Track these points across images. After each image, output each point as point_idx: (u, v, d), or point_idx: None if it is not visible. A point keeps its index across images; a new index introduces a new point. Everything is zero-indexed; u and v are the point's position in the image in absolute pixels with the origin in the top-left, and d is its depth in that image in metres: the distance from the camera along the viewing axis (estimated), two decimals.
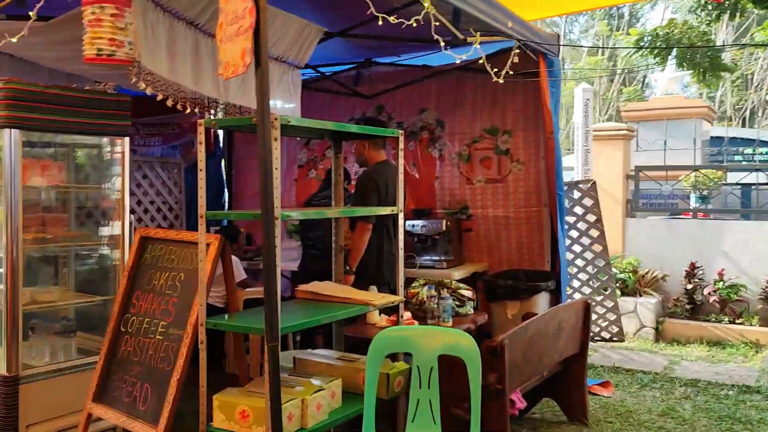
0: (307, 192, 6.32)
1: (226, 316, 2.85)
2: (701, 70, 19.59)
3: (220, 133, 6.86)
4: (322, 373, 3.01)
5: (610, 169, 7.27)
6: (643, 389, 5.09)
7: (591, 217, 5.61)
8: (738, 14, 16.85)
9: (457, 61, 3.80)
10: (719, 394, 4.94)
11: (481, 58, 4.86)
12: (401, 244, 3.27)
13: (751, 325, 6.44)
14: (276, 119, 2.44)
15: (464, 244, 5.55)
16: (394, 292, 4.47)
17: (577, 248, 5.78)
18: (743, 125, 25.03)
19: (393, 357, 3.05)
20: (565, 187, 5.39)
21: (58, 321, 3.48)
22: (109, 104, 3.57)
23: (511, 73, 4.35)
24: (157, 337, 2.87)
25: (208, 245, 2.78)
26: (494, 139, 5.51)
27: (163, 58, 3.32)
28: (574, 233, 5.75)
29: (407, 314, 3.94)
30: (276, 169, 2.41)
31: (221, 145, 6.92)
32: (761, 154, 12.81)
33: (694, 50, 19.61)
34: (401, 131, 3.23)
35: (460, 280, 4.95)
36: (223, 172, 6.78)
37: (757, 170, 7.84)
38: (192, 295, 2.80)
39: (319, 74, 6.01)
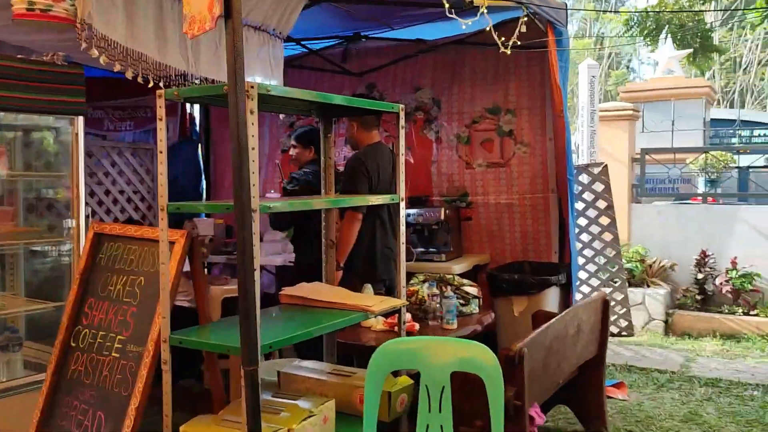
0: None
1: (196, 330, 2.36)
2: (692, 51, 19.25)
3: (197, 113, 6.33)
4: (312, 392, 2.55)
5: (615, 151, 6.84)
6: (660, 390, 4.68)
7: (602, 204, 5.18)
8: None
9: (464, 26, 3.33)
10: (743, 395, 4.54)
11: (483, 29, 4.39)
12: (402, 238, 2.80)
13: (766, 317, 6.06)
14: (252, 87, 1.96)
15: (464, 234, 5.09)
16: (390, 289, 4.03)
17: (585, 237, 5.35)
18: (731, 108, 24.82)
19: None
20: (574, 171, 4.95)
21: (2, 332, 2.98)
22: (59, 78, 3.07)
23: (518, 43, 3.89)
24: (113, 354, 2.39)
25: (172, 243, 2.29)
26: (496, 119, 5.04)
27: (119, 22, 2.81)
28: (582, 221, 5.31)
29: (407, 315, 3.48)
30: (253, 149, 1.93)
31: (197, 128, 6.39)
32: (759, 136, 12.50)
33: (685, 31, 19.31)
34: (402, 105, 2.75)
35: (460, 274, 4.50)
36: (200, 158, 6.25)
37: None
38: (154, 303, 2.32)
39: (303, 50, 5.51)
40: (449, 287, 3.84)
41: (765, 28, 22.29)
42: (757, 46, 30.71)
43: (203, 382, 4.31)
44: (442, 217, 4.78)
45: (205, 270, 5.34)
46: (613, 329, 5.64)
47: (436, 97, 5.28)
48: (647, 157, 6.88)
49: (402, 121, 2.74)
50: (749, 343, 5.86)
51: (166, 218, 2.17)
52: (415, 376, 2.36)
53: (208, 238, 5.32)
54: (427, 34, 5.21)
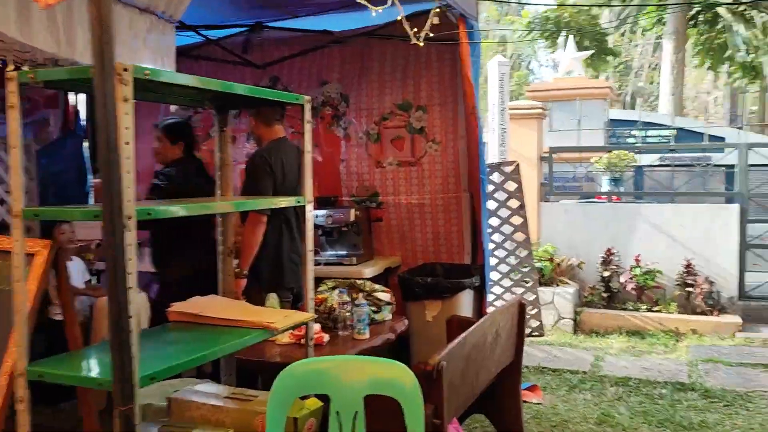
0: None
1: (63, 359, 1.98)
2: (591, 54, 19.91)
3: (82, 107, 5.76)
4: (207, 420, 2.23)
5: (524, 150, 6.82)
6: (573, 392, 4.63)
7: (514, 203, 5.09)
8: None
9: (374, 14, 3.08)
10: (653, 394, 4.56)
11: (393, 21, 4.19)
12: (310, 244, 2.52)
13: (668, 312, 6.20)
14: (126, 70, 1.62)
15: (375, 236, 4.86)
16: (297, 297, 3.73)
17: (497, 237, 5.25)
18: (623, 108, 26.05)
19: None
20: (487, 170, 4.82)
21: None
22: None
23: (431, 35, 3.70)
24: None
25: (31, 255, 1.91)
26: (407, 116, 4.84)
27: None
28: (494, 221, 5.20)
29: (316, 326, 3.21)
30: (127, 144, 1.60)
31: (82, 122, 5.81)
32: (653, 136, 13.03)
33: (583, 34, 19.99)
34: (307, 97, 2.47)
35: (371, 278, 4.27)
36: (85, 155, 5.68)
37: (671, 151, 7.67)
38: (8, 328, 1.92)
39: (201, 38, 5.09)
40: (361, 294, 3.58)
41: (656, 33, 23.49)
42: (648, 50, 32.44)
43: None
44: (352, 218, 4.53)
45: (94, 280, 4.85)
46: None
47: (345, 92, 5.02)
48: (554, 155, 6.91)
49: (308, 115, 2.46)
50: (653, 339, 5.96)
51: (21, 227, 1.79)
52: (325, 397, 2.10)
53: (95, 243, 4.83)
54: (335, 25, 4.94)
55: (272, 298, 3.17)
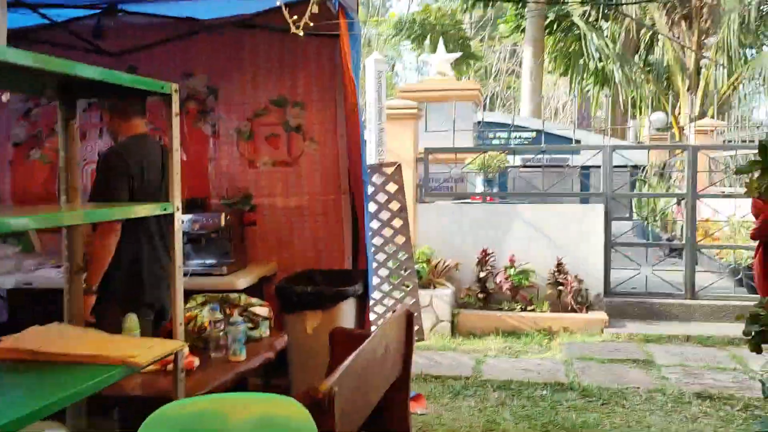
0: (30, 179, 4.74)
1: None
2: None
3: None
4: None
5: (401, 150, 6.69)
6: (456, 399, 4.52)
7: (395, 205, 4.91)
8: (491, 4, 17.80)
9: None
10: (534, 396, 4.55)
11: (266, 10, 3.88)
12: (179, 257, 2.14)
13: (542, 311, 6.31)
14: None
15: (248, 242, 4.47)
16: (161, 315, 3.30)
17: (378, 241, 5.04)
18: (483, 111, 27.12)
19: None
20: (368, 171, 4.59)
21: None
22: None
23: (311, 24, 3.42)
24: None
25: None
26: (282, 113, 4.50)
27: None
28: (375, 224, 4.99)
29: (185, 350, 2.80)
30: None
31: None
32: (516, 138, 13.54)
33: (447, 37, 20.48)
34: (175, 85, 2.09)
35: (245, 289, 3.90)
36: None
37: (542, 152, 7.86)
38: None
39: (44, 20, 4.44)
40: (236, 310, 3.21)
41: (513, 41, 24.60)
42: (505, 57, 34.01)
43: None
44: (223, 223, 4.12)
45: None
46: None
47: (213, 84, 4.59)
48: (430, 156, 6.84)
49: (176, 107, 2.08)
50: (528, 339, 6.03)
51: None
52: None
53: None
54: (201, 13, 4.49)
55: (130, 320, 2.72)
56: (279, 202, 4.52)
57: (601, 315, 6.28)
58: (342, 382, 2.43)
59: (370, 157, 5.87)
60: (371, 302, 5.12)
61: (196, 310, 3.21)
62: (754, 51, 15.78)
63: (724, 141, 11.75)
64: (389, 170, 4.84)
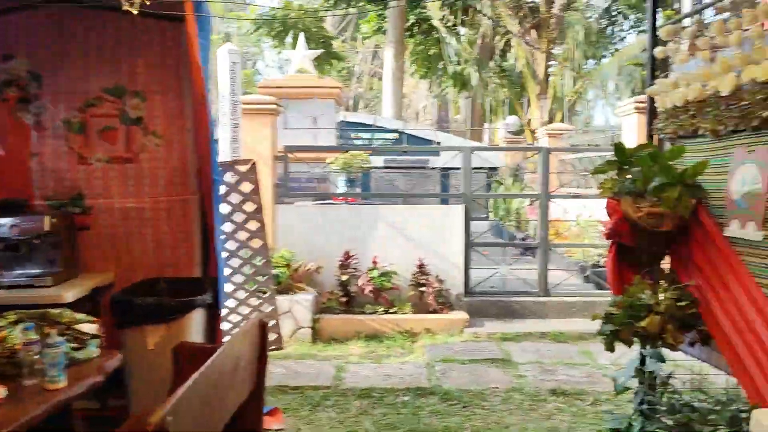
0: None
1: None
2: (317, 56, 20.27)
3: None
4: None
5: (258, 148, 6.34)
6: (316, 411, 4.29)
7: (250, 206, 4.57)
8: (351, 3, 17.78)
9: None
10: (396, 403, 4.41)
11: None
12: None
13: (404, 313, 6.22)
14: None
15: (80, 248, 3.96)
16: None
17: (231, 245, 4.68)
18: (346, 111, 27.17)
19: None
20: (219, 169, 4.23)
21: None
22: None
23: (148, 2, 3.04)
24: None
25: None
26: (120, 103, 4.03)
27: None
28: (228, 227, 4.63)
29: None
30: None
31: None
32: (378, 139, 13.55)
33: (309, 35, 20.24)
34: None
35: (74, 303, 3.42)
36: None
37: (404, 152, 7.79)
38: None
39: None
40: (55, 328, 2.77)
41: (376, 41, 24.77)
42: (368, 58, 34.33)
43: None
44: (47, 227, 3.60)
45: None
46: None
47: (36, 69, 4.01)
48: (290, 155, 6.54)
49: None
50: (391, 342, 5.92)
51: None
52: None
53: None
54: None
55: None
56: (117, 203, 4.04)
57: (462, 315, 6.31)
58: (180, 408, 2.09)
59: (225, 155, 5.48)
60: (224, 312, 4.76)
61: (6, 330, 2.73)
62: (594, 62, 16.94)
63: (571, 144, 12.42)
64: (243, 168, 4.50)
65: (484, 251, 7.19)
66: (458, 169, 7.05)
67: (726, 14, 2.79)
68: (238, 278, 4.81)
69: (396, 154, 9.15)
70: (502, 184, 11.41)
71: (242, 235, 4.67)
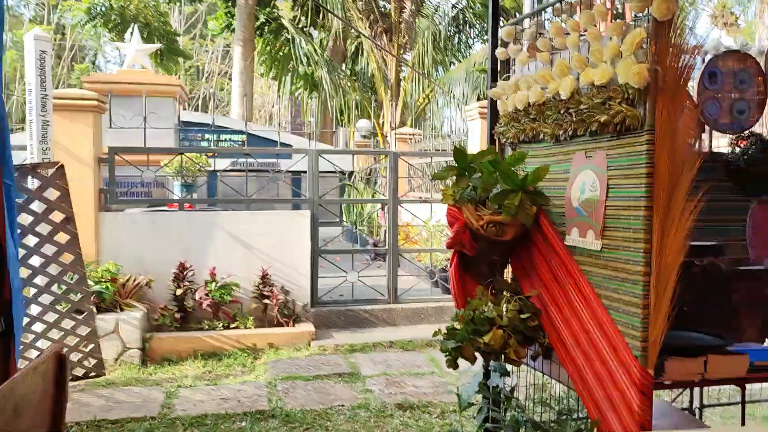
0: None
1: None
2: (159, 52, 19.19)
3: None
4: None
5: (77, 149, 5.63)
6: None
7: (58, 216, 3.96)
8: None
9: None
10: (233, 430, 4.01)
11: None
12: None
13: (246, 328, 5.80)
14: None
15: None
16: None
17: (36, 261, 4.04)
18: (196, 111, 25.95)
19: None
20: (15, 174, 3.61)
21: None
22: None
23: None
24: None
25: None
26: None
27: None
28: (31, 240, 3.99)
29: None
30: None
31: None
32: (226, 140, 12.92)
33: (152, 30, 19.08)
34: None
35: None
36: None
37: (246, 155, 7.32)
38: None
39: None
40: None
41: (225, 39, 23.87)
42: (218, 57, 33.14)
43: None
44: None
45: None
46: (77, 372, 4.49)
47: None
48: (117, 157, 5.89)
49: None
50: (231, 360, 5.48)
51: None
52: None
53: None
54: None
55: None
56: None
57: (309, 327, 6.00)
58: None
59: (33, 156, 4.78)
60: (30, 339, 4.12)
61: None
62: (441, 69, 17.34)
63: (421, 149, 12.55)
64: (48, 172, 3.89)
65: (336, 258, 6.93)
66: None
67: (564, 16, 2.72)
68: (47, 298, 4.18)
69: (240, 156, 8.65)
70: (355, 188, 11.25)
71: (49, 249, 4.05)
